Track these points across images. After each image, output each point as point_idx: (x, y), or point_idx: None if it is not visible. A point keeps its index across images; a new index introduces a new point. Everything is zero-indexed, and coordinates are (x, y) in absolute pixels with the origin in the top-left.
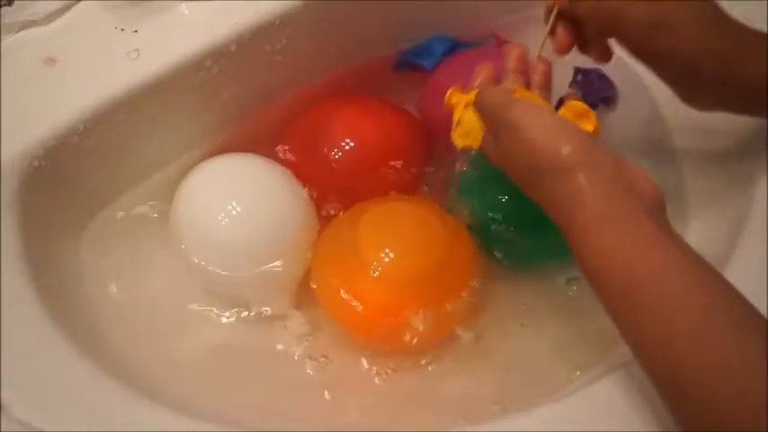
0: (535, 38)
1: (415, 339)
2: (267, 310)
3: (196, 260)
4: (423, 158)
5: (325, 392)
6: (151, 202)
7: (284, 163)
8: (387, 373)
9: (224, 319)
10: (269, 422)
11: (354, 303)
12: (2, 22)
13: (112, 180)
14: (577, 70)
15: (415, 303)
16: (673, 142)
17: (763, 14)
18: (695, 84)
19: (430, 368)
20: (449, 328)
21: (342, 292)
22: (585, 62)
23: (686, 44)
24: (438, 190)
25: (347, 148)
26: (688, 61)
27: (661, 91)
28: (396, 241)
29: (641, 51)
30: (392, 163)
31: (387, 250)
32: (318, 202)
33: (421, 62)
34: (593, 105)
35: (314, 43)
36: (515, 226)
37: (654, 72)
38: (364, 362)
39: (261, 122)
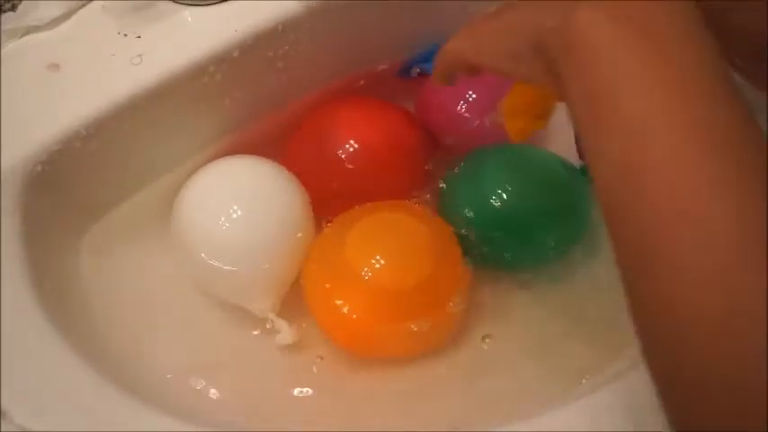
0: None
1: (407, 349)
2: (268, 314)
3: (195, 263)
4: (425, 161)
5: (324, 394)
6: (153, 208)
7: (287, 167)
8: (386, 376)
9: (225, 323)
10: (269, 424)
11: (342, 314)
12: (6, 27)
13: (114, 185)
14: None
15: (403, 314)
16: None
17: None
18: (759, 59)
19: (425, 375)
20: (441, 337)
21: (329, 303)
22: None
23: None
24: (435, 194)
25: (350, 149)
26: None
27: None
28: (384, 251)
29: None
30: (395, 165)
31: (374, 260)
32: (320, 205)
33: (425, 67)
34: None
35: (316, 49)
36: (505, 231)
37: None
38: (363, 364)
39: (263, 128)
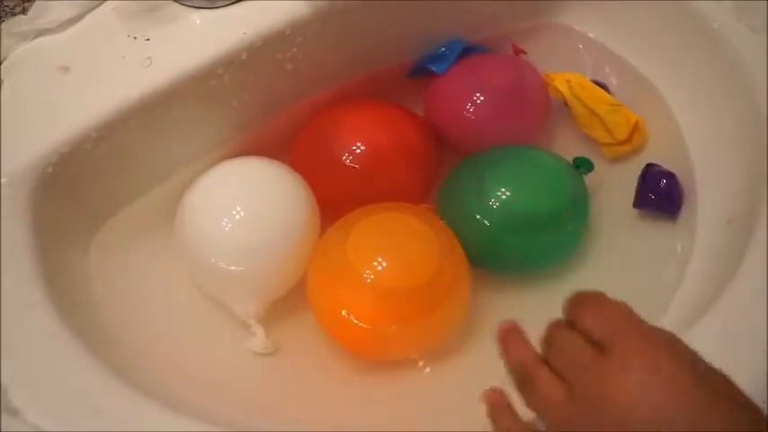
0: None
1: (410, 351)
2: (249, 318)
3: (190, 259)
4: (434, 163)
5: (323, 395)
6: (162, 208)
7: (294, 169)
8: (390, 378)
9: (232, 323)
10: (273, 424)
11: (344, 317)
12: (16, 30)
13: (124, 186)
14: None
15: (406, 315)
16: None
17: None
18: None
19: (425, 376)
20: (444, 338)
21: (332, 307)
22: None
23: None
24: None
25: (357, 151)
26: None
27: None
28: (385, 252)
29: None
30: (402, 167)
31: (376, 262)
32: (327, 206)
33: (433, 68)
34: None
35: (324, 52)
36: (506, 233)
37: None
38: (361, 366)
39: (271, 130)
